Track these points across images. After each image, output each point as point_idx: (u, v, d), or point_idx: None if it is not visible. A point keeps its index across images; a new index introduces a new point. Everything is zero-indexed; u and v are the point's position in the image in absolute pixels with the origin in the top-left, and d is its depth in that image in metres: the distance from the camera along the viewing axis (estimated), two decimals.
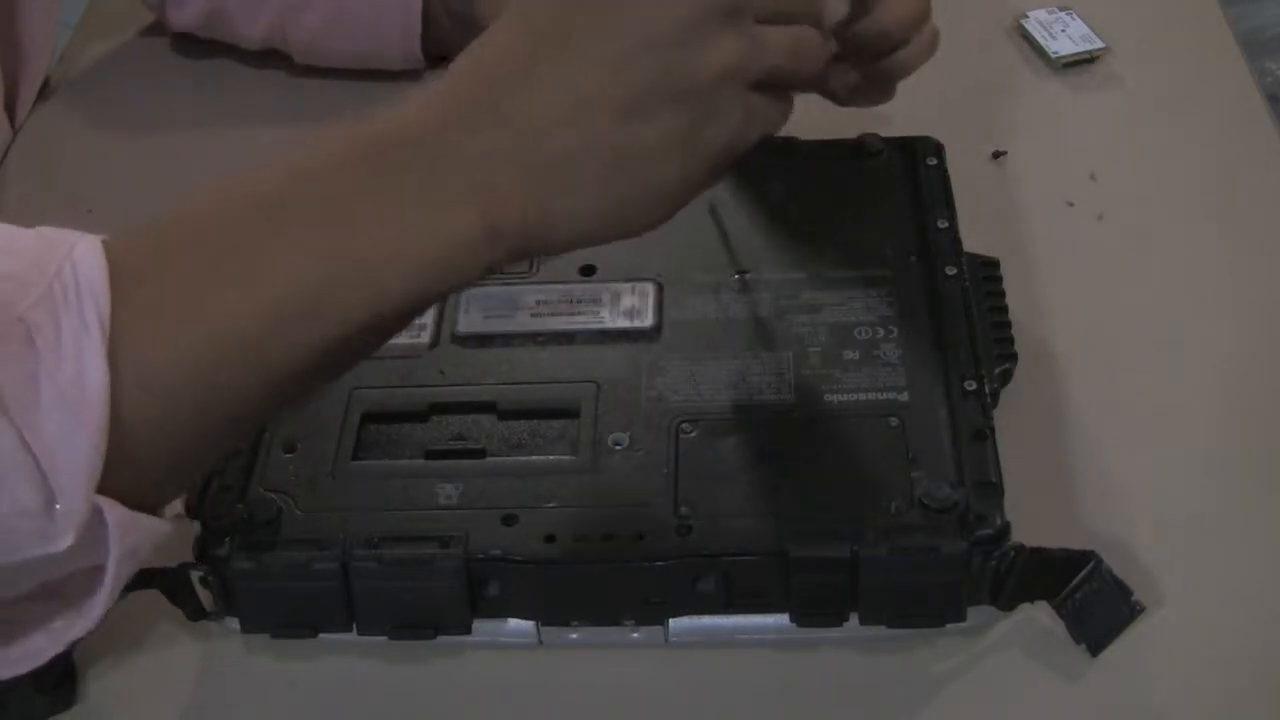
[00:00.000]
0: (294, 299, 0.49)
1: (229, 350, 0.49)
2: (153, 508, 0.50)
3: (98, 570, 0.50)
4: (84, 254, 0.48)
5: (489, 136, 0.50)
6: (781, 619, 0.56)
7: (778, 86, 0.53)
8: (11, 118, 0.84)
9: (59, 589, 0.51)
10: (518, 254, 0.52)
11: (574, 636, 0.57)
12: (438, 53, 0.84)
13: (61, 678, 0.56)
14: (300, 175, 0.52)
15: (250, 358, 0.49)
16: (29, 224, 0.78)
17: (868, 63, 0.64)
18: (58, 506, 0.46)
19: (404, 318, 0.52)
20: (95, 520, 0.48)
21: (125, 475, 0.48)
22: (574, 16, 0.51)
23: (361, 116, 0.52)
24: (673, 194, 0.52)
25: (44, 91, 0.86)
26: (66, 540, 0.47)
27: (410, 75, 0.84)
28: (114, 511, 0.48)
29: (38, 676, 0.55)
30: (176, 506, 0.51)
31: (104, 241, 0.49)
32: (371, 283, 0.50)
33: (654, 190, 0.52)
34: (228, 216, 0.51)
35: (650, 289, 0.64)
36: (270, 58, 0.86)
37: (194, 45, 0.88)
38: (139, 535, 0.49)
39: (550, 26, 0.51)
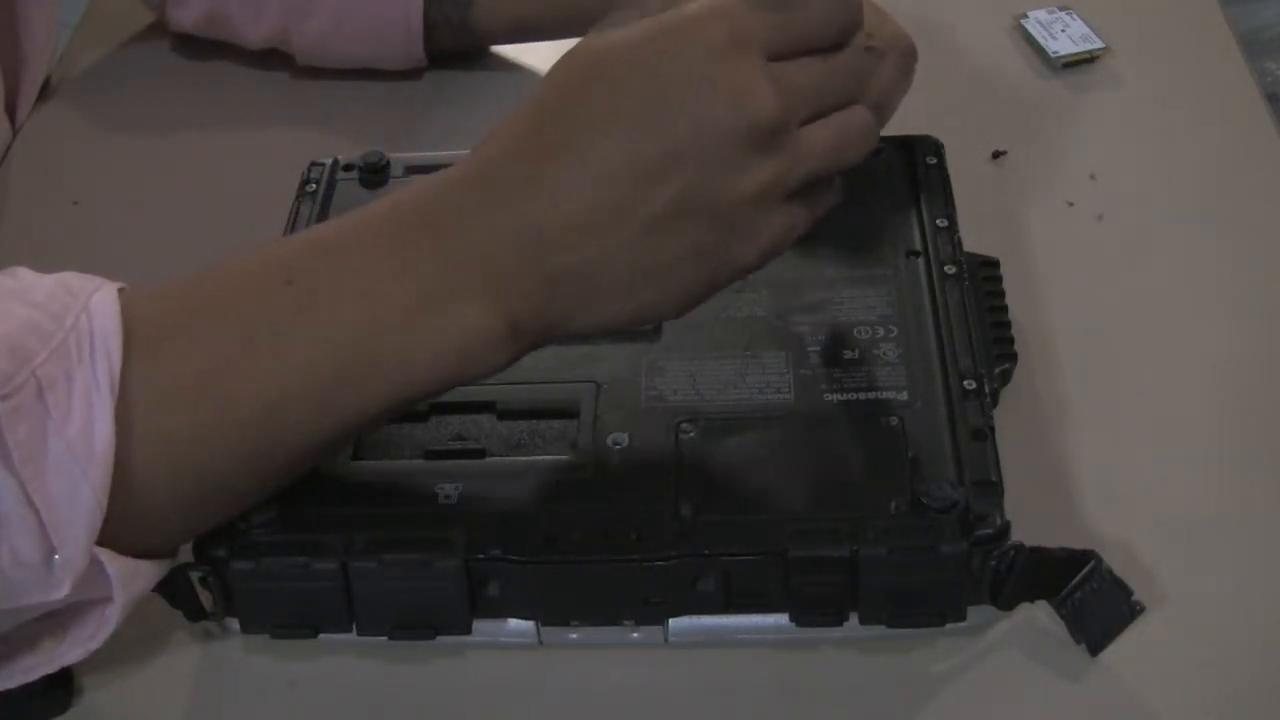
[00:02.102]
0: (312, 382, 0.50)
1: (242, 421, 0.49)
2: (163, 553, 0.51)
3: (96, 600, 0.50)
4: (99, 306, 0.48)
5: (509, 235, 0.49)
6: (781, 619, 0.55)
7: (819, 181, 0.52)
8: (12, 118, 0.84)
9: (55, 614, 0.51)
10: (539, 344, 0.53)
11: (574, 636, 0.57)
12: (439, 51, 0.84)
13: (58, 680, 0.55)
14: (322, 250, 0.51)
15: (264, 430, 0.50)
16: (29, 224, 0.78)
17: None
18: (56, 558, 0.47)
19: (426, 398, 0.53)
20: (94, 569, 0.48)
21: (134, 527, 0.49)
22: (596, 121, 0.48)
23: (385, 195, 0.52)
24: (696, 299, 0.52)
25: (44, 92, 0.86)
26: (63, 590, 0.47)
27: (412, 75, 0.85)
28: (115, 563, 0.48)
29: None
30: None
31: (122, 292, 0.49)
32: (392, 371, 0.50)
33: (676, 297, 0.51)
34: (249, 287, 0.50)
35: None
36: (271, 58, 0.86)
37: (194, 46, 0.88)
38: (143, 580, 0.50)
39: (571, 127, 0.48)
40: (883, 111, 0.66)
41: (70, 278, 0.50)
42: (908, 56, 0.68)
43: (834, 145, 0.51)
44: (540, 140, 0.49)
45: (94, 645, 0.51)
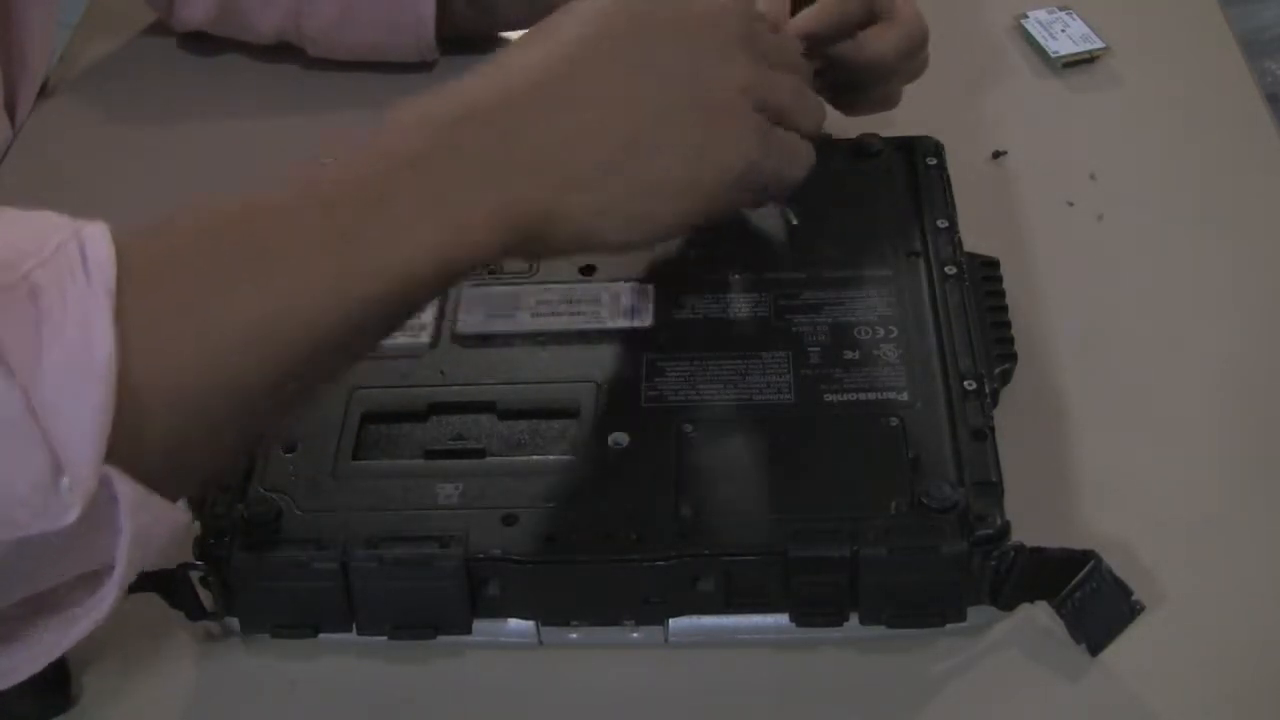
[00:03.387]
0: (307, 287, 0.49)
1: (239, 331, 0.48)
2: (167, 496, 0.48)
3: (98, 575, 0.48)
4: (91, 232, 0.47)
5: (503, 135, 0.51)
6: (781, 619, 0.56)
7: (793, 129, 0.57)
8: (12, 118, 0.84)
9: (55, 602, 0.50)
10: (527, 241, 0.52)
11: (574, 636, 0.57)
12: (453, 39, 0.84)
13: (56, 679, 0.56)
14: (314, 176, 0.51)
15: (260, 341, 0.48)
16: None
17: (867, 84, 0.66)
18: (64, 480, 0.44)
19: (418, 305, 0.52)
20: (103, 498, 0.45)
21: (133, 458, 0.46)
22: (635, 25, 0.54)
23: (390, 106, 0.53)
24: (684, 203, 0.54)
25: (44, 91, 0.86)
26: (73, 513, 0.45)
27: (423, 68, 0.84)
28: (125, 484, 0.45)
29: (32, 679, 0.55)
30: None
31: (111, 226, 0.48)
32: (386, 271, 0.50)
33: (668, 193, 0.54)
34: (241, 211, 0.50)
35: (650, 289, 0.64)
36: (275, 54, 0.86)
37: (197, 43, 0.88)
38: (151, 515, 0.47)
39: (579, 44, 0.54)
40: (889, 79, 0.70)
41: (52, 213, 0.48)
42: (911, 35, 0.69)
43: (793, 89, 0.57)
44: (553, 55, 0.54)
45: (107, 604, 0.48)
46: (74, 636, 0.49)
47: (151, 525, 0.47)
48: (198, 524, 0.56)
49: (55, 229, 0.47)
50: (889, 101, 0.71)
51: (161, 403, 0.47)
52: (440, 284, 0.51)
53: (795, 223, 0.65)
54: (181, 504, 0.49)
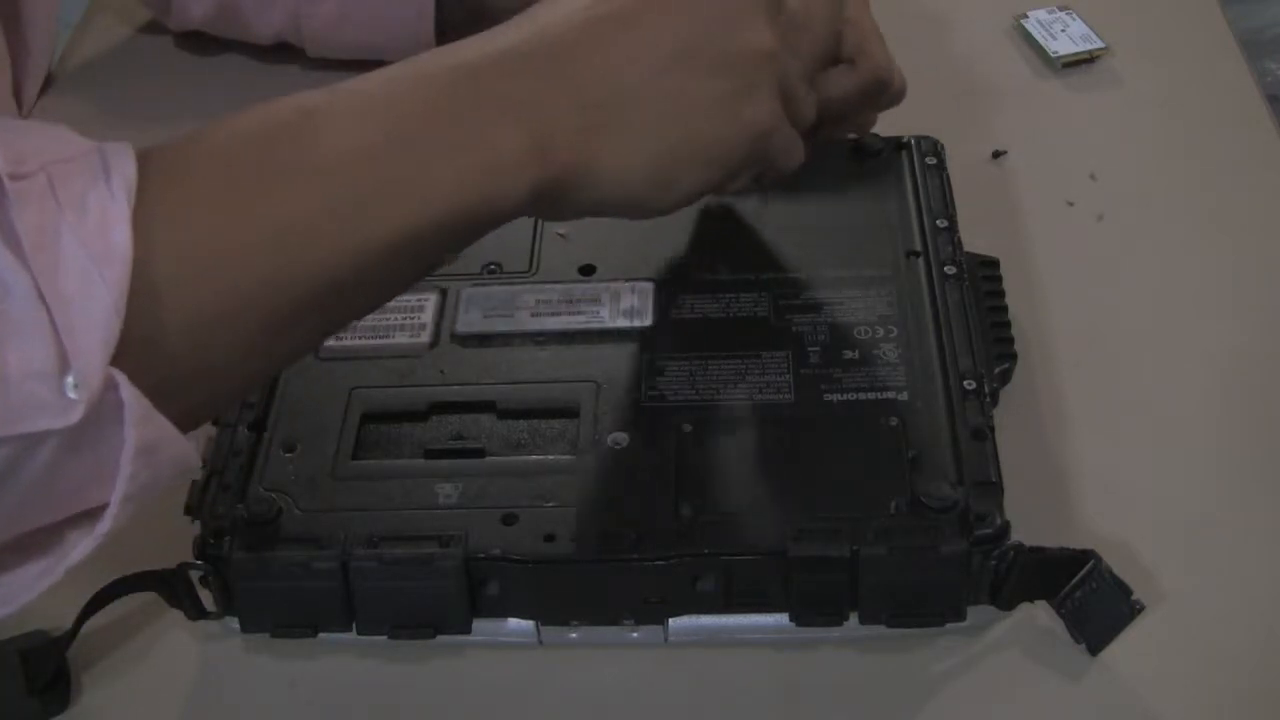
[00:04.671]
0: (335, 203, 0.48)
1: (264, 244, 0.47)
2: (175, 419, 0.46)
3: (98, 512, 0.46)
4: (113, 145, 0.46)
5: (539, 61, 0.52)
6: (781, 619, 0.56)
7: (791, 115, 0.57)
8: (19, 105, 0.84)
9: (48, 543, 0.47)
10: (562, 189, 0.52)
11: (574, 636, 0.57)
12: (452, 36, 0.84)
13: (55, 679, 0.56)
14: (348, 90, 0.51)
15: (284, 256, 0.47)
16: None
17: (825, 123, 0.67)
18: (69, 378, 0.43)
19: (442, 240, 0.50)
20: (109, 404, 0.44)
21: (146, 369, 0.44)
22: None
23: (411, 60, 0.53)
24: (706, 162, 0.54)
25: (47, 84, 0.87)
26: (78, 412, 0.43)
27: None
28: (129, 391, 0.44)
29: (30, 678, 0.55)
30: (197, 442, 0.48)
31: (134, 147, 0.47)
32: (415, 191, 0.49)
33: (690, 152, 0.54)
34: (272, 122, 0.49)
35: (650, 289, 0.64)
36: (274, 54, 0.86)
37: (195, 42, 0.88)
38: (157, 433, 0.45)
39: None
40: (850, 118, 0.69)
41: (75, 133, 0.47)
42: (874, 79, 0.67)
43: (802, 73, 0.59)
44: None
45: (106, 526, 0.45)
46: (73, 559, 0.46)
47: (157, 444, 0.45)
48: (198, 523, 0.56)
49: (77, 139, 0.46)
50: (860, 130, 0.71)
51: (179, 312, 0.45)
52: (462, 232, 0.50)
53: (766, 204, 0.67)
54: (191, 440, 0.46)
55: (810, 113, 0.60)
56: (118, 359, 0.43)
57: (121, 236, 0.43)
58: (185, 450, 0.46)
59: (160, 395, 0.45)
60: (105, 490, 0.45)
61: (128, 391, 0.43)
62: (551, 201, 0.52)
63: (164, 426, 0.45)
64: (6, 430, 0.43)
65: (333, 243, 0.48)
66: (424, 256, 0.50)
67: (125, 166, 0.45)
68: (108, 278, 0.43)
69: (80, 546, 0.46)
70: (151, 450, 0.45)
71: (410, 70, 0.52)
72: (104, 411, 0.43)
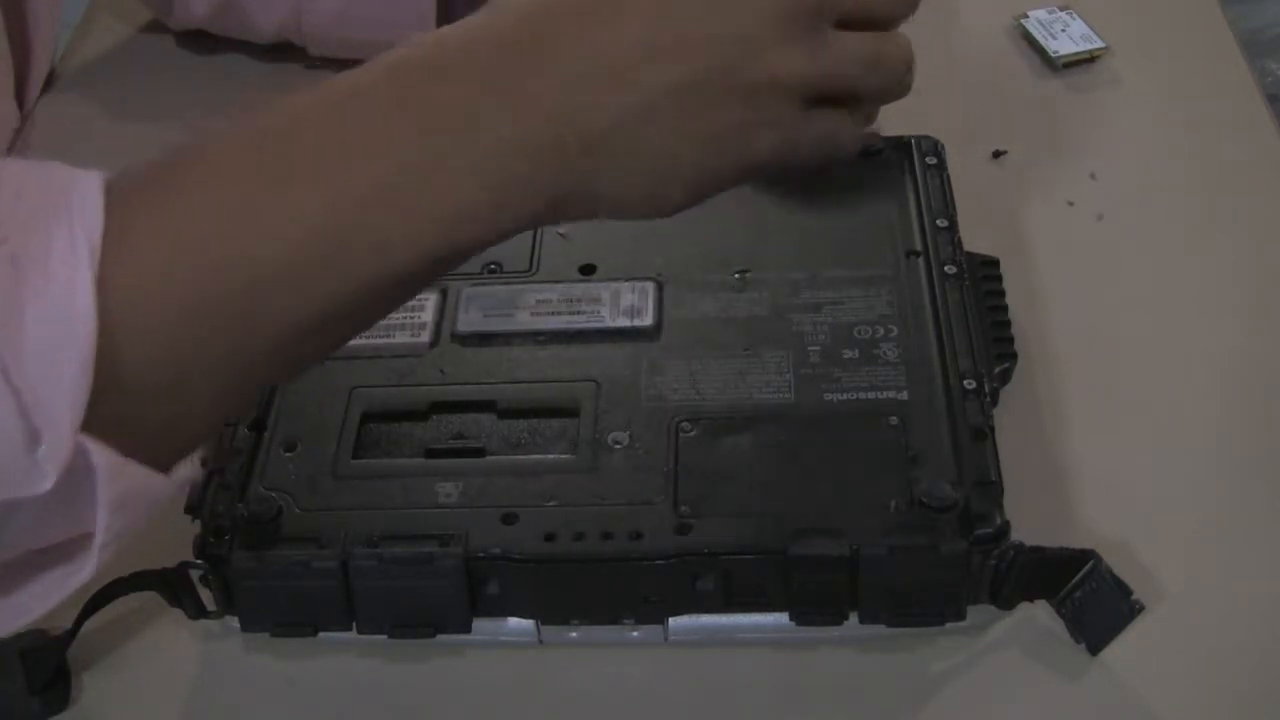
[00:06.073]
0: (285, 257, 0.46)
1: (219, 298, 0.45)
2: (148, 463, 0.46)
3: (84, 539, 0.46)
4: (81, 183, 0.45)
5: (531, 62, 0.48)
6: (781, 618, 0.56)
7: (854, 100, 0.52)
8: (20, 104, 0.84)
9: (43, 561, 0.47)
10: (551, 215, 0.49)
11: (574, 635, 0.57)
12: None
13: (54, 678, 0.56)
14: (343, 93, 0.48)
15: (241, 310, 0.46)
16: None
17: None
18: (41, 449, 0.43)
19: (417, 278, 0.48)
20: (81, 465, 0.43)
21: (115, 422, 0.44)
22: None
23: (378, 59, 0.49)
24: (706, 181, 0.50)
25: (49, 82, 0.87)
26: (48, 481, 0.43)
27: None
28: (101, 454, 0.43)
29: (30, 678, 0.55)
30: (184, 471, 0.47)
31: (107, 178, 0.45)
32: (373, 241, 0.46)
33: (689, 174, 0.50)
34: (223, 159, 0.47)
35: (650, 288, 0.64)
36: (275, 53, 0.86)
37: (197, 41, 0.88)
38: (129, 483, 0.45)
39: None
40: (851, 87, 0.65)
41: (53, 163, 0.46)
42: (887, 51, 0.65)
43: (867, 59, 0.51)
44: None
45: (87, 571, 0.46)
46: (55, 599, 0.47)
47: (132, 493, 0.45)
48: (198, 523, 0.56)
49: (46, 181, 0.45)
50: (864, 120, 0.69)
51: (148, 367, 0.45)
52: (453, 265, 0.48)
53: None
54: (165, 473, 0.46)
55: (887, 83, 0.53)
56: (88, 420, 0.43)
57: (85, 304, 0.42)
58: (164, 490, 0.46)
59: (135, 442, 0.44)
60: (87, 524, 0.45)
61: (99, 456, 0.43)
62: (542, 223, 0.50)
63: (138, 475, 0.45)
64: None
65: (287, 299, 0.46)
66: (392, 300, 0.49)
67: (91, 218, 0.43)
68: (73, 348, 0.42)
69: (62, 587, 0.46)
70: (126, 502, 0.45)
71: (397, 95, 0.48)
72: (76, 472, 0.43)
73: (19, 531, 0.45)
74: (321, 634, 0.56)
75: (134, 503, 0.45)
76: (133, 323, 0.44)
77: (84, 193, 0.44)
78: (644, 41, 0.48)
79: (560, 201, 0.49)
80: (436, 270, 0.48)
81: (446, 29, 0.49)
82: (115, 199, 0.45)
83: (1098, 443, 0.63)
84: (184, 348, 0.45)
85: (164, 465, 0.46)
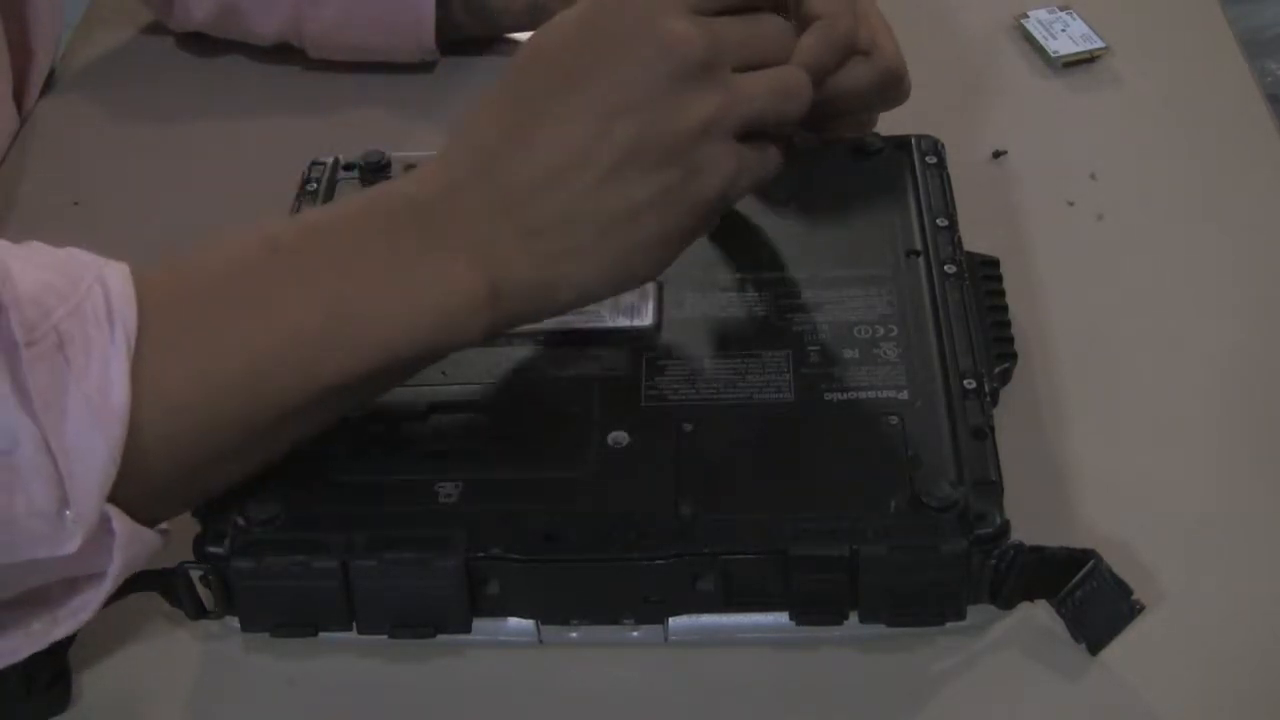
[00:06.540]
0: (300, 340, 0.52)
1: (239, 378, 0.52)
2: (151, 522, 0.52)
3: (84, 578, 0.52)
4: (113, 276, 0.51)
5: (486, 199, 0.54)
6: (781, 618, 0.56)
7: (766, 135, 0.56)
8: (19, 107, 0.84)
9: (40, 595, 0.52)
10: (520, 317, 0.55)
11: (574, 635, 0.57)
12: (454, 40, 0.84)
13: (55, 679, 0.55)
14: (312, 228, 0.55)
15: (258, 388, 0.52)
16: (36, 219, 0.78)
17: (841, 114, 0.66)
18: (69, 513, 0.48)
19: (407, 368, 0.55)
20: (102, 529, 0.49)
21: (133, 489, 0.50)
22: (555, 83, 0.54)
23: (376, 186, 0.56)
24: (666, 248, 0.55)
25: (49, 83, 0.87)
26: (74, 544, 0.48)
27: (424, 69, 0.84)
28: (121, 522, 0.49)
29: (30, 678, 0.55)
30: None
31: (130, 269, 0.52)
32: (373, 332, 0.53)
33: (648, 246, 0.55)
34: (244, 260, 0.53)
35: (650, 288, 0.64)
36: (275, 55, 0.86)
37: (196, 43, 0.88)
38: (139, 548, 0.51)
39: (535, 93, 0.54)
40: (862, 111, 0.68)
41: (79, 251, 0.52)
42: (889, 71, 0.66)
43: (771, 90, 0.55)
44: (514, 111, 0.54)
45: (85, 616, 0.52)
46: (54, 636, 0.53)
47: (137, 555, 0.51)
48: (198, 523, 0.56)
49: (83, 270, 0.50)
50: (863, 128, 0.70)
51: (166, 448, 0.51)
52: (426, 361, 0.55)
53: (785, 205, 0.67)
54: (163, 525, 0.53)
55: (796, 107, 0.57)
56: (111, 492, 0.49)
57: (120, 390, 0.49)
58: (157, 545, 0.52)
59: (149, 506, 0.51)
60: (93, 569, 0.51)
61: (119, 524, 0.49)
62: (519, 322, 0.56)
63: (145, 539, 0.51)
64: (11, 558, 0.49)
65: (301, 376, 0.52)
66: (392, 378, 0.55)
67: (124, 306, 0.50)
68: (107, 431, 0.48)
69: (61, 627, 0.53)
70: (132, 561, 0.51)
71: (366, 207, 0.55)
72: (97, 535, 0.49)
73: (28, 576, 0.51)
74: (321, 634, 0.56)
75: (136, 561, 0.52)
76: (158, 404, 0.50)
77: (115, 279, 0.50)
78: (570, 144, 0.53)
79: (528, 316, 0.55)
80: (421, 362, 0.55)
81: (417, 172, 0.56)
82: (141, 290, 0.51)
83: (1097, 442, 0.63)
84: (197, 428, 0.52)
85: (162, 518, 0.53)
